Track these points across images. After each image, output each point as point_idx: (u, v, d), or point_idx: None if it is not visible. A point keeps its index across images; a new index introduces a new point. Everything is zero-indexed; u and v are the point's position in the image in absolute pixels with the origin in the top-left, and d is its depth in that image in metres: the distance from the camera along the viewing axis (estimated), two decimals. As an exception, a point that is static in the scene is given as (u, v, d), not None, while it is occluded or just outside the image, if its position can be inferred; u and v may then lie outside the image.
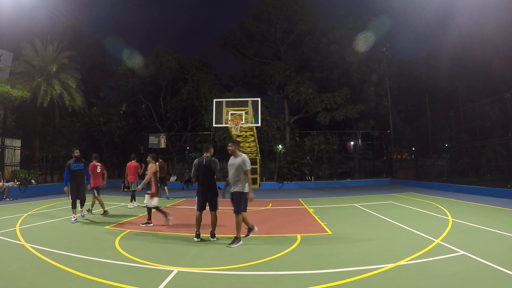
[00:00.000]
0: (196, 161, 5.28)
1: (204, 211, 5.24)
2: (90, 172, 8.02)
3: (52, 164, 16.75)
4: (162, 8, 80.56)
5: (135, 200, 9.77)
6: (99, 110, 20.98)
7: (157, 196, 6.65)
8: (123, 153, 22.01)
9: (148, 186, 6.55)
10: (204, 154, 5.32)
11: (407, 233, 5.55)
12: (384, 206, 9.28)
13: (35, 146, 17.24)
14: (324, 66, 23.15)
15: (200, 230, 5.23)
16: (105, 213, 7.85)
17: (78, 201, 7.23)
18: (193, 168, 5.27)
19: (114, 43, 24.23)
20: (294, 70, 22.24)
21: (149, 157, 6.92)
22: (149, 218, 6.55)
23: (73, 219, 6.85)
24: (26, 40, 16.86)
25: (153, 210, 6.66)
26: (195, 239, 5.18)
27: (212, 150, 5.39)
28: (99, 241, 5.21)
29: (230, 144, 5.24)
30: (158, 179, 6.95)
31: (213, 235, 5.24)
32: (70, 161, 7.12)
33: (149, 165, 6.63)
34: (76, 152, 7.20)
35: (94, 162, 8.09)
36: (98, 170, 8.05)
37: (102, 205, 7.90)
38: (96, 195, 7.80)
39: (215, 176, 5.30)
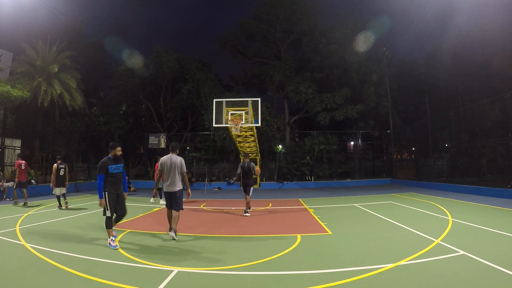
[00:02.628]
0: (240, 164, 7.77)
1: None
2: (17, 169, 9.32)
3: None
4: (162, 8, 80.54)
5: (160, 197, 10.40)
6: (99, 110, 20.94)
7: (57, 187, 8.81)
8: (123, 153, 21.96)
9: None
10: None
11: (407, 233, 5.55)
12: (384, 206, 9.28)
13: (35, 146, 17.20)
14: (324, 66, 23.14)
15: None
16: (20, 203, 9.40)
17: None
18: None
19: (114, 43, 24.18)
20: (294, 70, 22.22)
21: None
22: (59, 204, 8.79)
23: (112, 244, 4.74)
24: (26, 40, 16.83)
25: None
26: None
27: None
28: (99, 241, 5.21)
29: None
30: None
31: (246, 211, 7.68)
32: (107, 161, 4.92)
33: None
34: (119, 151, 5.17)
35: (19, 161, 9.46)
36: (23, 167, 9.51)
37: (22, 196, 9.53)
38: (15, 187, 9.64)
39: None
